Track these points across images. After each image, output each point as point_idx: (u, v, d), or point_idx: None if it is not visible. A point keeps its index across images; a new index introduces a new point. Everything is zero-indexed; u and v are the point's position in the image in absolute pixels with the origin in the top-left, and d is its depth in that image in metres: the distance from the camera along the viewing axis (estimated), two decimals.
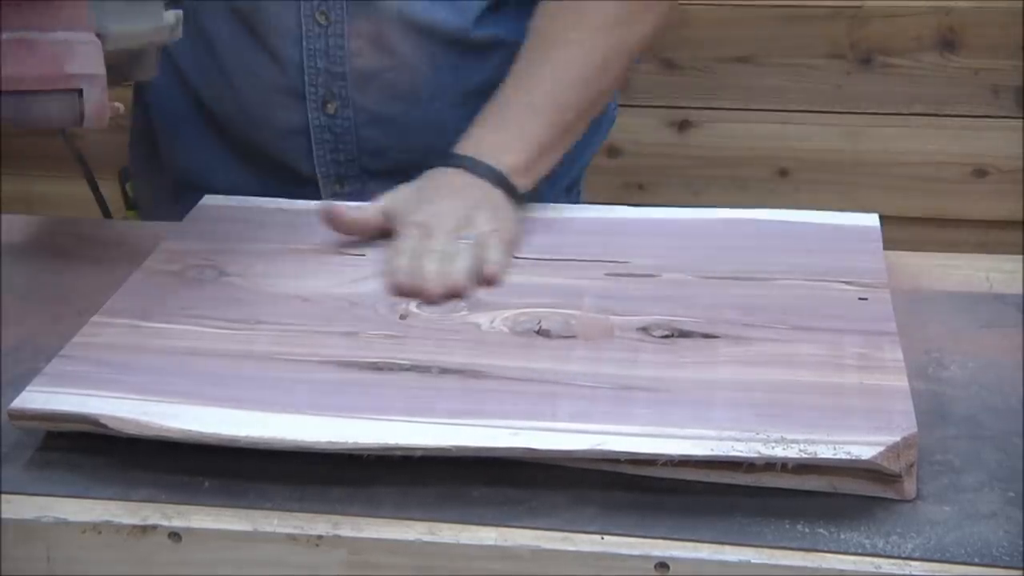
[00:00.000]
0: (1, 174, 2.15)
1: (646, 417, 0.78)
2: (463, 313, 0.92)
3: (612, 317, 0.91)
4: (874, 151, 1.96)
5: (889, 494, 0.76)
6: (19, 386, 0.83)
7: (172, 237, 1.04)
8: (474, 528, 0.75)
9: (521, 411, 0.79)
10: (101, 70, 0.91)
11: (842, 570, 0.72)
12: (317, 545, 0.75)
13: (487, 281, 0.95)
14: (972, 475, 0.78)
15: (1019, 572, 0.71)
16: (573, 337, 0.89)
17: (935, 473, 0.78)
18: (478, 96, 1.11)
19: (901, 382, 0.81)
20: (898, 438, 0.75)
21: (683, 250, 1.00)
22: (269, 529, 0.75)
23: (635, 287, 0.95)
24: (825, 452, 0.74)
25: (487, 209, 1.00)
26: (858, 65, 1.93)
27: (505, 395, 0.81)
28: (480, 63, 1.16)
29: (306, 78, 1.15)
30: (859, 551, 0.72)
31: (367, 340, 0.88)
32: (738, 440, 0.75)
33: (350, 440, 0.77)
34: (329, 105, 1.16)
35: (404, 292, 0.94)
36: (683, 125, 1.97)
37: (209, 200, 1.12)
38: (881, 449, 0.74)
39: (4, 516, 0.77)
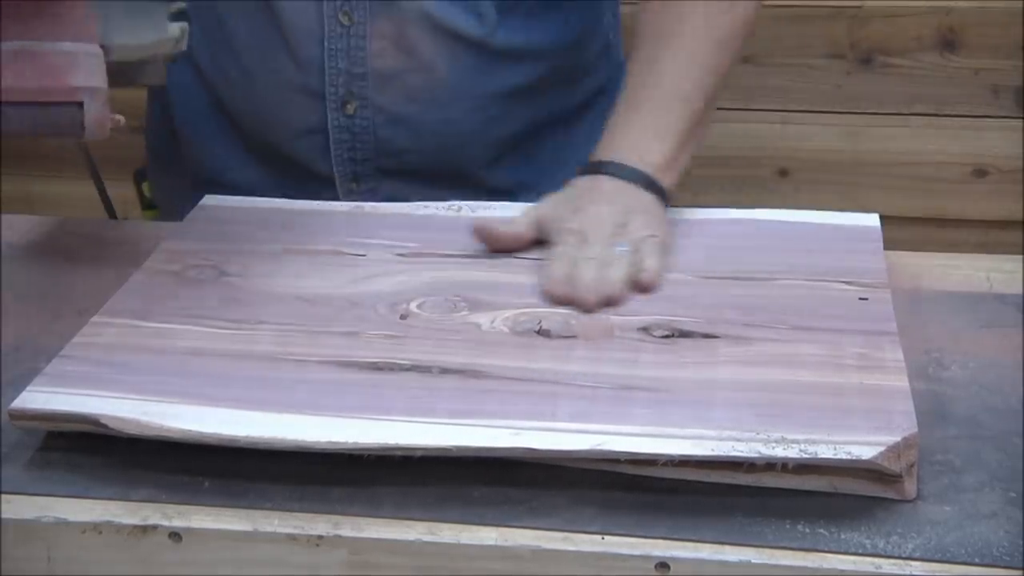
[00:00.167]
0: (1, 174, 2.15)
1: (646, 417, 0.78)
2: (463, 313, 0.92)
3: (612, 317, 0.91)
4: (874, 151, 1.96)
5: (889, 494, 0.76)
6: (19, 386, 0.83)
7: (172, 237, 1.04)
8: (474, 528, 0.75)
9: (521, 411, 0.79)
10: (103, 83, 0.90)
11: (842, 570, 0.72)
12: (317, 545, 0.75)
13: (643, 288, 0.93)
14: (972, 475, 0.78)
15: (1019, 572, 0.71)
16: (573, 337, 0.89)
17: (935, 473, 0.78)
18: (499, 101, 1.11)
19: (901, 382, 0.81)
20: (898, 438, 0.75)
21: (683, 250, 1.00)
22: (269, 529, 0.75)
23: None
24: (825, 452, 0.74)
25: (640, 214, 0.98)
26: (858, 65, 1.93)
27: (505, 395, 0.81)
28: (502, 69, 1.16)
29: (326, 78, 1.15)
30: (859, 551, 0.72)
31: (367, 340, 0.88)
32: (738, 440, 0.75)
33: (350, 440, 0.77)
34: (348, 105, 1.16)
35: (559, 301, 0.92)
36: None
37: (209, 200, 1.12)
38: (881, 449, 0.74)
39: (4, 516, 0.77)
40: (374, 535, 0.75)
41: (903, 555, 0.72)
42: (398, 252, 1.01)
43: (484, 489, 0.77)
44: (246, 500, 0.77)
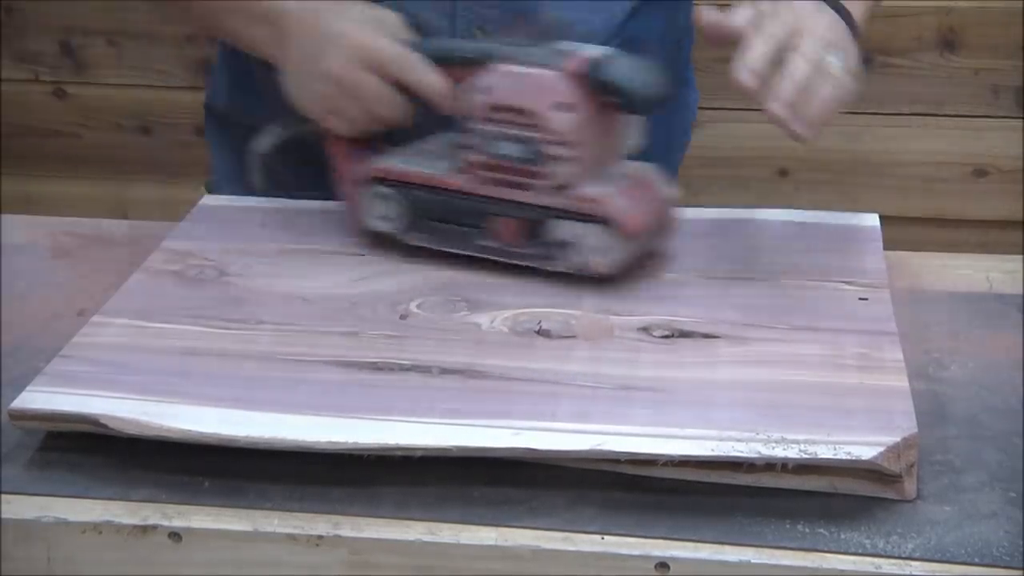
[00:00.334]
0: (1, 174, 2.16)
1: (646, 417, 0.78)
2: (463, 313, 0.92)
3: (612, 317, 0.91)
4: (874, 151, 1.96)
5: (889, 494, 0.76)
6: (19, 386, 0.83)
7: (172, 237, 1.04)
8: (474, 528, 0.75)
9: (521, 411, 0.79)
10: None
11: (842, 570, 0.72)
12: (317, 545, 0.75)
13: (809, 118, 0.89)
14: (972, 475, 0.78)
15: (1019, 572, 0.71)
16: (573, 337, 0.89)
17: (935, 473, 0.78)
18: None
19: (901, 382, 0.81)
20: (898, 438, 0.75)
21: (683, 250, 1.00)
22: (269, 529, 0.75)
23: (635, 287, 0.95)
24: (825, 452, 0.74)
25: (843, 36, 0.94)
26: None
27: (505, 395, 0.81)
28: None
29: None
30: (859, 551, 0.72)
31: (367, 340, 0.88)
32: (738, 440, 0.75)
33: (350, 440, 0.77)
34: None
35: (753, 87, 0.89)
36: None
37: (209, 200, 1.12)
38: (881, 449, 0.74)
39: (4, 516, 0.77)
40: (374, 535, 0.75)
41: (903, 555, 0.72)
42: (398, 252, 1.01)
43: (484, 489, 0.77)
44: (246, 500, 0.77)
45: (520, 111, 0.91)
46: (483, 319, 0.91)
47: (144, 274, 0.98)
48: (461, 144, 0.95)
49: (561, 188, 0.92)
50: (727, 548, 0.73)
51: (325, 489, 0.78)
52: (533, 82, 0.91)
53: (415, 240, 0.98)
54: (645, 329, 0.89)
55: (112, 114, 2.14)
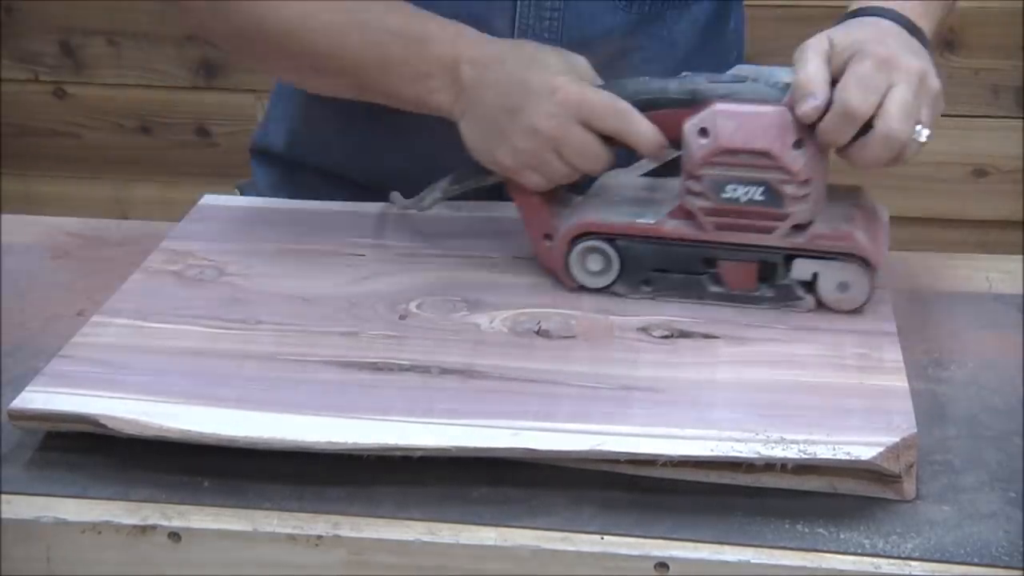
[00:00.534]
0: (1, 174, 2.16)
1: (645, 417, 0.78)
2: (463, 313, 0.92)
3: (612, 317, 0.91)
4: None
5: (889, 494, 0.76)
6: (19, 386, 0.83)
7: (172, 237, 1.04)
8: (474, 528, 0.75)
9: (521, 411, 0.79)
10: None
11: (842, 570, 0.72)
12: (317, 545, 0.75)
13: (908, 153, 0.88)
14: (972, 475, 0.78)
15: (1019, 572, 0.71)
16: (573, 337, 0.89)
17: (935, 473, 0.78)
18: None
19: (901, 382, 0.81)
20: (898, 439, 0.75)
21: None
22: (269, 529, 0.75)
23: None
24: (825, 452, 0.74)
25: (930, 67, 0.89)
26: None
27: (505, 395, 0.81)
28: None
29: None
30: (859, 551, 0.72)
31: (367, 340, 0.88)
32: (738, 440, 0.75)
33: (350, 440, 0.77)
34: None
35: (841, 122, 0.86)
36: None
37: (209, 200, 1.12)
38: (881, 450, 0.74)
39: (4, 516, 0.77)
40: (373, 535, 0.75)
41: (902, 555, 0.72)
42: (398, 252, 1.01)
43: (484, 489, 0.77)
44: (246, 500, 0.77)
45: (754, 152, 0.87)
46: (483, 319, 0.91)
47: (144, 274, 0.98)
48: (678, 190, 0.90)
49: (800, 227, 0.89)
50: (726, 548, 0.73)
51: (324, 489, 0.78)
52: (764, 121, 0.87)
53: (632, 292, 0.94)
54: (644, 329, 0.89)
55: (112, 114, 2.14)
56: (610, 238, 0.93)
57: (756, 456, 0.75)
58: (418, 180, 1.02)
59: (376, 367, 0.85)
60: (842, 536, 0.73)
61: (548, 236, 0.95)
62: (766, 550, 0.73)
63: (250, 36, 1.02)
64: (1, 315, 0.96)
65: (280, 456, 0.78)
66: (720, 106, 0.88)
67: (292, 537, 0.75)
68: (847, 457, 0.74)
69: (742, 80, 0.90)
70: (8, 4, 2.09)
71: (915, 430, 0.76)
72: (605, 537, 0.74)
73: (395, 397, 0.81)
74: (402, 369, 0.85)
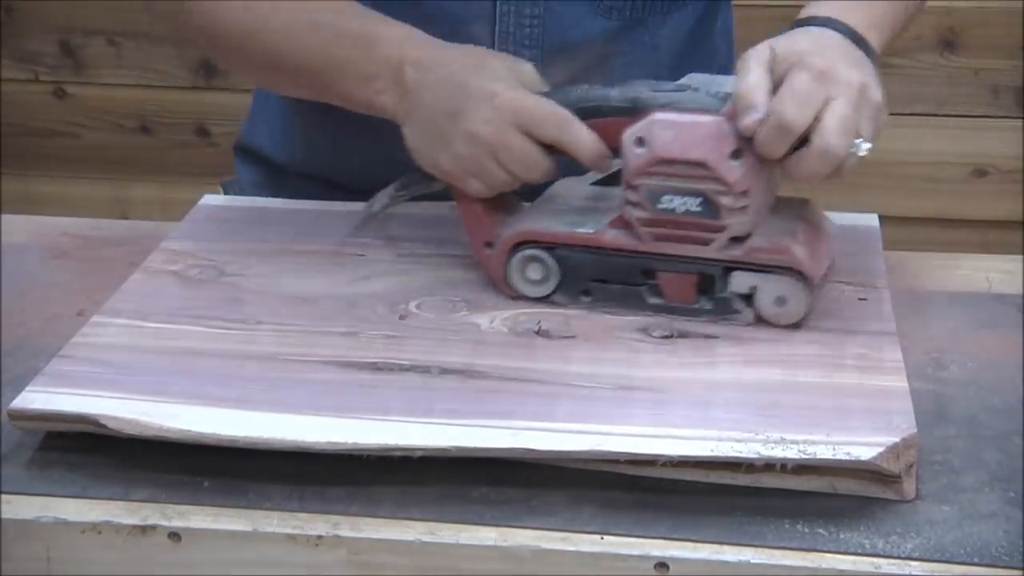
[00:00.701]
0: (1, 174, 2.16)
1: (645, 417, 0.78)
2: (462, 313, 0.92)
3: (611, 317, 0.91)
4: (874, 151, 1.96)
5: (889, 494, 0.76)
6: (19, 386, 0.83)
7: (172, 237, 1.04)
8: (474, 528, 0.75)
9: (521, 411, 0.79)
10: None
11: (842, 570, 0.72)
12: (317, 545, 0.75)
13: (846, 167, 0.86)
14: (972, 475, 0.78)
15: (1019, 572, 0.71)
16: (573, 337, 0.89)
17: (935, 473, 0.78)
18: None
19: (901, 382, 0.81)
20: (897, 439, 0.75)
21: None
22: (269, 529, 0.75)
23: None
24: (824, 452, 0.74)
25: (872, 79, 0.88)
26: None
27: (505, 395, 0.81)
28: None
29: None
30: (859, 551, 0.72)
31: (367, 340, 0.88)
32: (738, 440, 0.75)
33: (350, 440, 0.77)
34: None
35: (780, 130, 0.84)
36: None
37: (209, 200, 1.12)
38: (881, 450, 0.74)
39: (4, 516, 0.77)
40: (373, 535, 0.75)
41: (902, 555, 0.72)
42: (398, 252, 1.01)
43: (484, 489, 0.77)
44: (246, 500, 0.77)
45: (690, 163, 0.85)
46: (482, 319, 0.91)
47: (144, 274, 0.98)
48: (619, 200, 0.90)
49: (737, 239, 0.87)
50: (727, 548, 0.73)
51: (324, 489, 0.78)
52: (701, 131, 0.85)
53: (571, 303, 0.93)
54: (644, 329, 0.89)
55: (112, 114, 2.14)
56: (549, 247, 0.92)
57: (756, 456, 0.75)
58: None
59: (376, 367, 0.85)
60: (842, 536, 0.73)
61: (489, 244, 0.95)
62: (766, 550, 0.73)
63: (212, 35, 1.02)
64: (1, 315, 0.96)
65: (280, 456, 0.78)
66: (658, 115, 0.86)
67: (292, 537, 0.75)
68: (847, 457, 0.74)
69: (684, 89, 0.89)
70: (8, 4, 2.09)
71: (915, 430, 0.76)
72: (605, 537, 0.74)
73: (395, 397, 0.81)
74: (402, 369, 0.85)
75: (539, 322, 0.90)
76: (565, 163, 0.93)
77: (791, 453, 0.74)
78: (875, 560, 0.72)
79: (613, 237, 0.90)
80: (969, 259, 1.05)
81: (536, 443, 0.76)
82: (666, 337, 0.88)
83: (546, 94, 0.92)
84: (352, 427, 0.78)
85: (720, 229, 0.87)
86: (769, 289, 0.88)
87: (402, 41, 0.95)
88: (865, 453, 0.74)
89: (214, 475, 0.78)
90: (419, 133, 0.94)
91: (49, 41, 2.11)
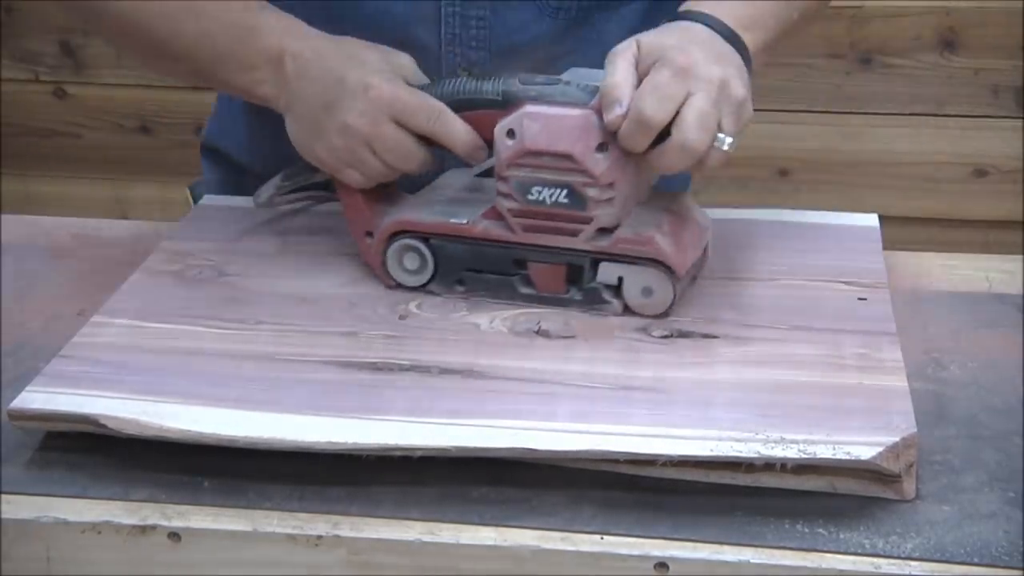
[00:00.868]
0: (1, 174, 2.16)
1: (645, 417, 0.78)
2: (462, 313, 0.92)
3: (611, 317, 0.91)
4: (874, 151, 1.96)
5: (889, 494, 0.76)
6: (19, 386, 0.83)
7: (172, 237, 1.04)
8: (474, 528, 0.75)
9: (521, 411, 0.79)
10: None
11: (842, 570, 0.72)
12: (317, 545, 0.75)
13: (710, 162, 0.86)
14: (972, 475, 0.78)
15: (1019, 572, 0.71)
16: (572, 337, 0.89)
17: (935, 473, 0.78)
18: None
19: (901, 382, 0.81)
20: (897, 438, 0.75)
21: None
22: (269, 529, 0.75)
23: None
24: (824, 452, 0.74)
25: (736, 74, 0.89)
26: (858, 65, 1.93)
27: (505, 395, 0.81)
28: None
29: None
30: (859, 551, 0.72)
31: (367, 340, 0.88)
32: (738, 440, 0.75)
33: (350, 440, 0.77)
34: None
35: (634, 129, 0.85)
36: None
37: (209, 200, 1.12)
38: (880, 449, 0.74)
39: (4, 516, 0.77)
40: (373, 535, 0.75)
41: (902, 555, 0.72)
42: None
43: (484, 489, 0.77)
44: (246, 500, 0.77)
45: (557, 155, 0.87)
46: (482, 319, 0.91)
47: (143, 274, 0.98)
48: (492, 191, 0.91)
49: (604, 231, 0.89)
50: (726, 548, 0.73)
51: (325, 489, 0.78)
52: (568, 124, 0.87)
53: (447, 292, 0.94)
54: (644, 329, 0.89)
55: (112, 114, 2.14)
56: (425, 237, 0.94)
57: (756, 456, 0.75)
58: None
59: (376, 367, 0.85)
60: (842, 536, 0.73)
61: (369, 233, 0.96)
62: (766, 550, 0.73)
63: (96, 18, 1.03)
64: (1, 315, 0.96)
65: (280, 456, 0.78)
66: (528, 108, 0.88)
67: (292, 537, 0.75)
68: (847, 457, 0.74)
69: (556, 83, 0.90)
70: (8, 4, 2.09)
71: (915, 430, 0.76)
72: (605, 537, 0.74)
73: (395, 397, 0.81)
74: (402, 369, 0.85)
75: (539, 322, 0.90)
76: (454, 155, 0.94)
77: (791, 453, 0.74)
78: (875, 560, 0.72)
79: (485, 228, 0.92)
80: (969, 259, 1.05)
81: (536, 443, 0.76)
82: (666, 337, 0.88)
83: (422, 86, 0.93)
84: (352, 427, 0.78)
85: (587, 221, 0.89)
86: (635, 280, 0.90)
87: (282, 32, 0.96)
88: (865, 453, 0.74)
89: (214, 475, 0.78)
90: (298, 124, 0.96)
91: (49, 41, 2.11)
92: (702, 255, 0.94)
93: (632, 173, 0.88)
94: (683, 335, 0.88)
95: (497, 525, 0.75)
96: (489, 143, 0.91)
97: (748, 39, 0.93)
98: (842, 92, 1.95)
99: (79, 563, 0.77)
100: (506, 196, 0.90)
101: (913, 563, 0.72)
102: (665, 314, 0.90)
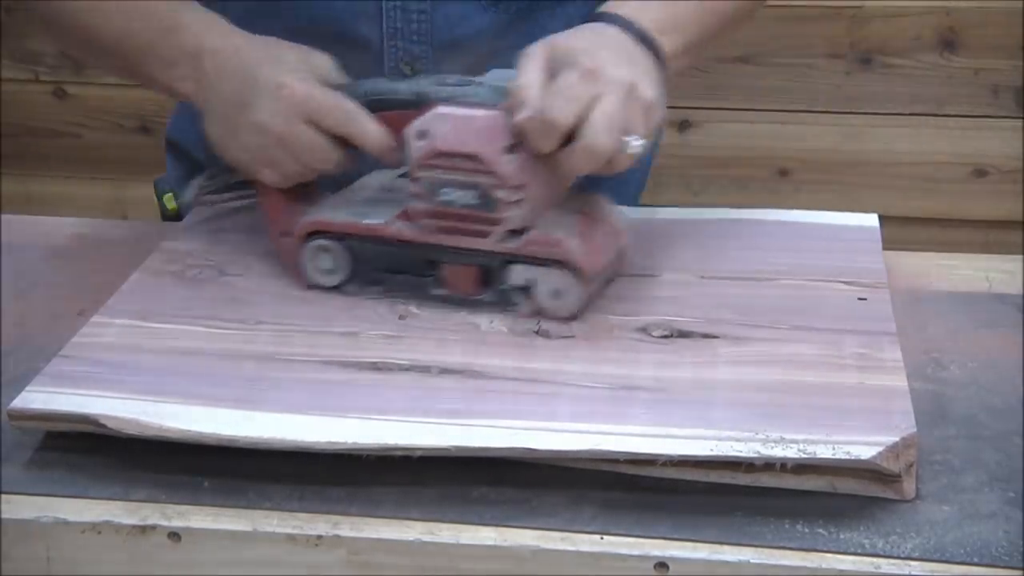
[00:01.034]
0: (1, 174, 2.16)
1: (645, 417, 0.78)
2: (462, 313, 0.92)
3: (611, 317, 0.91)
4: (874, 151, 1.96)
5: (888, 494, 0.76)
6: (19, 386, 0.83)
7: (171, 237, 1.04)
8: (474, 528, 0.75)
9: (521, 411, 0.79)
10: None
11: (842, 570, 0.72)
12: (317, 545, 0.75)
13: (618, 165, 0.86)
14: (972, 475, 0.78)
15: (1019, 572, 0.71)
16: (572, 337, 0.89)
17: (935, 473, 0.78)
18: None
19: (900, 382, 0.81)
20: (897, 438, 0.75)
21: (683, 250, 1.00)
22: (269, 529, 0.75)
23: (634, 287, 0.95)
24: (824, 452, 0.74)
25: (645, 75, 0.89)
26: (858, 65, 1.93)
27: (505, 395, 0.81)
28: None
29: None
30: (858, 551, 0.72)
31: (367, 340, 0.88)
32: (737, 440, 0.75)
33: (350, 440, 0.77)
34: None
35: (544, 127, 0.85)
36: (683, 125, 1.97)
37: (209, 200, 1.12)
38: (880, 449, 0.74)
39: (4, 516, 0.77)
40: (373, 535, 0.75)
41: (902, 555, 0.72)
42: None
43: (484, 489, 0.77)
44: (245, 500, 0.77)
45: (466, 156, 0.87)
46: (482, 319, 0.91)
47: (144, 274, 0.98)
48: (407, 192, 0.91)
49: (514, 232, 0.89)
50: (726, 548, 0.73)
51: (325, 489, 0.78)
52: (476, 125, 0.87)
53: (362, 292, 0.94)
54: (644, 329, 0.89)
55: (112, 114, 2.14)
56: (339, 237, 0.94)
57: (756, 456, 0.75)
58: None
59: (376, 367, 0.85)
60: (842, 536, 0.73)
61: (287, 233, 0.96)
62: (766, 550, 0.73)
63: (36, 12, 1.03)
64: (1, 315, 0.96)
65: (280, 456, 0.78)
66: (439, 109, 0.88)
67: (292, 537, 0.75)
68: (847, 456, 0.74)
69: (469, 84, 0.90)
70: (8, 4, 2.09)
71: (915, 429, 0.76)
72: (605, 537, 0.74)
73: (395, 397, 0.81)
74: (402, 369, 0.85)
75: (539, 322, 0.90)
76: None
77: (791, 452, 0.74)
78: (875, 560, 0.72)
79: (398, 229, 0.92)
80: (969, 259, 1.05)
81: (536, 443, 0.76)
82: (666, 337, 0.88)
83: (338, 87, 0.93)
84: (352, 427, 0.78)
85: (496, 222, 0.89)
86: (545, 282, 0.90)
87: (203, 30, 0.97)
88: (865, 452, 0.74)
89: (214, 475, 0.78)
90: (215, 123, 0.96)
91: (49, 41, 2.10)
92: (617, 257, 0.94)
93: (543, 175, 0.88)
94: (683, 335, 0.88)
95: (497, 525, 0.75)
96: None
97: (665, 41, 0.93)
98: (842, 92, 1.95)
99: (79, 563, 0.77)
100: (417, 197, 0.90)
101: (913, 563, 0.72)
102: (574, 316, 0.90)
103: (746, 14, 1.06)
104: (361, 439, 0.77)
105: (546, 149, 0.86)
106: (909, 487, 0.76)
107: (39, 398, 0.81)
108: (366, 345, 0.88)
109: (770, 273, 0.96)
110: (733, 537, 0.73)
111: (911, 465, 0.76)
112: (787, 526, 0.74)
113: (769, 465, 0.75)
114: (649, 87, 0.88)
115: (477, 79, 0.91)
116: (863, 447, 0.74)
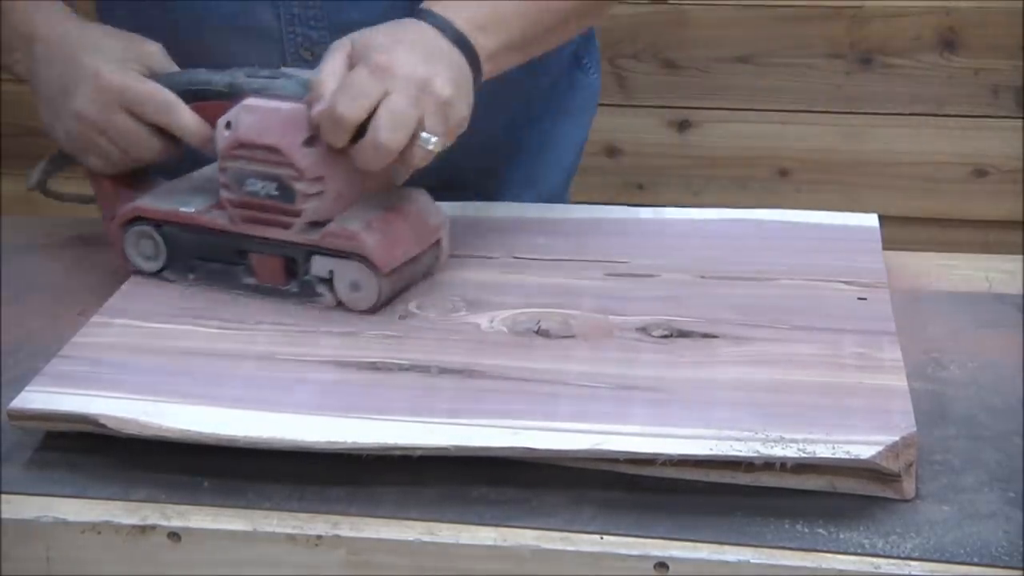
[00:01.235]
0: (1, 174, 2.15)
1: (645, 417, 0.78)
2: (462, 313, 0.92)
3: (611, 317, 0.91)
4: (874, 151, 1.96)
5: (888, 494, 0.76)
6: (19, 386, 0.83)
7: None
8: (474, 528, 0.75)
9: (521, 411, 0.79)
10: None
11: (841, 570, 0.72)
12: (316, 545, 0.75)
13: (414, 161, 0.88)
14: (971, 475, 0.78)
15: (1019, 572, 0.71)
16: (572, 337, 0.89)
17: (935, 473, 0.78)
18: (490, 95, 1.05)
19: (900, 382, 0.81)
20: (897, 438, 0.75)
21: (683, 250, 1.00)
22: (269, 529, 0.75)
23: (634, 287, 0.95)
24: (824, 451, 0.74)
25: (446, 70, 0.89)
26: (858, 65, 1.93)
27: (505, 395, 0.81)
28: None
29: None
30: (858, 551, 0.72)
31: (366, 340, 0.88)
32: (737, 440, 0.75)
33: (350, 440, 0.77)
34: None
35: (328, 119, 0.86)
36: (683, 125, 1.97)
37: None
38: (880, 449, 0.74)
39: (4, 516, 0.77)
40: (373, 535, 0.75)
41: (902, 555, 0.72)
42: None
43: (484, 489, 0.77)
44: (245, 500, 0.77)
45: (266, 148, 0.89)
46: (482, 319, 0.91)
47: (144, 274, 0.98)
48: (218, 181, 0.92)
49: (314, 224, 0.90)
50: (726, 548, 0.73)
51: (325, 489, 0.78)
52: (277, 117, 0.89)
53: (180, 279, 0.96)
54: (644, 329, 0.89)
55: None
56: (157, 224, 0.95)
57: (755, 455, 0.75)
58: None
59: (376, 367, 0.85)
60: (842, 536, 0.73)
61: (113, 219, 0.98)
62: (766, 550, 0.73)
63: None
64: (1, 315, 0.96)
65: (280, 456, 0.78)
66: (247, 101, 0.90)
67: (292, 537, 0.75)
68: (847, 456, 0.74)
69: (279, 76, 0.92)
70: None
71: (914, 429, 0.76)
72: (605, 537, 0.74)
73: (395, 397, 0.81)
74: (402, 369, 0.85)
75: (539, 322, 0.90)
76: None
77: (791, 452, 0.74)
78: (875, 560, 0.72)
79: (211, 217, 0.94)
80: (969, 259, 1.05)
81: (536, 443, 0.76)
82: (666, 337, 0.88)
83: (157, 77, 0.95)
84: (352, 427, 0.78)
85: (297, 214, 0.90)
86: (344, 274, 0.91)
87: (34, 14, 0.98)
88: (865, 452, 0.74)
89: (214, 475, 0.78)
90: (43, 108, 0.98)
91: None
92: (427, 253, 0.95)
93: (344, 168, 0.89)
94: (683, 335, 0.88)
95: (497, 525, 0.75)
96: None
97: (482, 40, 0.93)
98: (842, 92, 1.95)
99: (79, 563, 0.77)
100: (226, 187, 0.92)
101: (913, 563, 0.72)
102: (374, 309, 0.91)
103: (590, 11, 1.06)
104: (361, 439, 0.77)
105: (338, 144, 0.87)
106: (909, 487, 0.76)
107: (39, 398, 0.81)
108: (366, 345, 0.88)
109: (770, 273, 0.96)
110: (733, 537, 0.73)
111: (911, 465, 0.76)
112: (787, 526, 0.74)
113: (769, 465, 0.75)
114: (446, 84, 0.88)
115: (289, 71, 0.93)
116: (863, 446, 0.74)
